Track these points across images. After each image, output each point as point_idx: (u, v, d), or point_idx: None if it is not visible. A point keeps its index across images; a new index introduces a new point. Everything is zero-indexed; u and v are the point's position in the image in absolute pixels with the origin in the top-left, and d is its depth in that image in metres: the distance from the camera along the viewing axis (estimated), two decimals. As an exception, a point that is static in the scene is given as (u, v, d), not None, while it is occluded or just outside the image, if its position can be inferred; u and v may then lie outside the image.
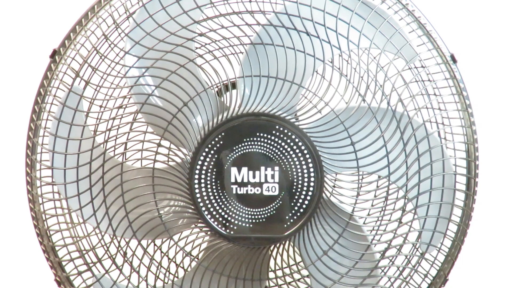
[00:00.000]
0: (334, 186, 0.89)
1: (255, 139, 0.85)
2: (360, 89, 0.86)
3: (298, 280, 0.96)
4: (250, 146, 0.85)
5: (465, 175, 0.90)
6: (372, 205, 0.89)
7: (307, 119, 0.86)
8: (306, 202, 0.85)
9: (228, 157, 0.85)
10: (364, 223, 0.97)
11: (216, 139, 0.85)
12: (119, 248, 0.89)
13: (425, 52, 0.88)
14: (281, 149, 0.85)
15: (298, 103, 0.88)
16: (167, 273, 0.94)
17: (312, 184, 0.85)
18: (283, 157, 0.85)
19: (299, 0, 0.84)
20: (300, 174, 0.85)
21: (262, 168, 0.85)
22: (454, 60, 0.88)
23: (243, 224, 0.86)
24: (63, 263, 0.92)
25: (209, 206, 0.86)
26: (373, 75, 0.86)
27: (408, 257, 0.92)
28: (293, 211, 0.85)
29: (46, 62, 0.89)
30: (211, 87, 0.87)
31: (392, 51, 0.87)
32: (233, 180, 0.85)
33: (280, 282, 0.96)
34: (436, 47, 0.88)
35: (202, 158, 0.85)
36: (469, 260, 1.14)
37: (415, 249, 0.91)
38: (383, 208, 0.88)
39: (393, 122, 0.85)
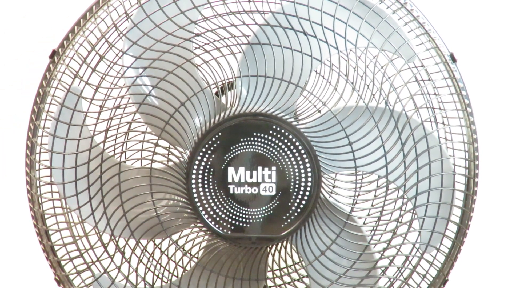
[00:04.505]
0: (332, 186, 0.89)
1: (252, 139, 0.85)
2: (358, 88, 0.86)
3: (297, 280, 0.96)
4: (247, 146, 0.85)
5: (464, 175, 0.90)
6: (372, 205, 0.89)
7: (305, 119, 0.86)
8: (304, 202, 0.85)
9: (225, 157, 0.85)
10: (364, 223, 0.97)
11: (213, 139, 0.85)
12: (117, 247, 0.89)
13: (424, 51, 0.88)
14: (278, 149, 0.85)
15: (296, 103, 0.88)
16: (165, 272, 0.94)
17: (309, 184, 0.85)
18: (280, 157, 0.85)
19: (296, 0, 0.84)
20: (297, 174, 0.85)
21: (259, 168, 0.85)
22: (454, 59, 0.88)
23: (240, 224, 0.86)
24: (62, 263, 0.92)
25: (206, 206, 0.86)
26: (371, 75, 0.86)
27: (408, 257, 0.92)
28: (291, 211, 0.85)
29: (45, 62, 0.90)
30: (209, 87, 0.87)
31: (391, 51, 0.87)
32: (230, 180, 0.85)
33: (278, 282, 0.96)
34: (435, 46, 0.88)
35: (199, 158, 0.85)
36: (468, 260, 1.14)
37: (416, 250, 0.91)
38: (382, 208, 0.88)
39: (391, 121, 0.85)
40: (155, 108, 0.87)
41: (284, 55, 0.85)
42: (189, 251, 0.94)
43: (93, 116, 0.88)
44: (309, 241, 0.87)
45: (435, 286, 0.91)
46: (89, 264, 0.90)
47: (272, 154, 0.85)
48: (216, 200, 0.86)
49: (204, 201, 0.86)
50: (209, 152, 0.85)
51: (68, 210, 0.90)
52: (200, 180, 0.85)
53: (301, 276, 0.97)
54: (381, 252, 0.89)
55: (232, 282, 0.89)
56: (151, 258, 0.91)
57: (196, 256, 0.96)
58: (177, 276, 0.94)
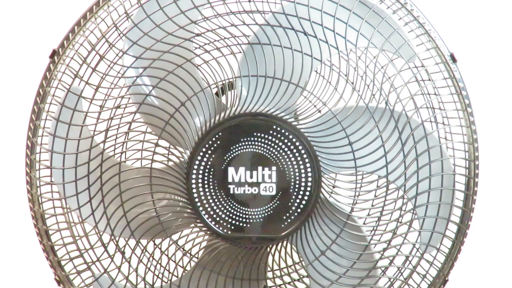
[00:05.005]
0: (332, 186, 0.89)
1: (252, 139, 0.85)
2: (358, 88, 0.86)
3: (297, 280, 0.96)
4: (248, 146, 0.85)
5: (464, 175, 0.90)
6: (372, 205, 0.89)
7: (305, 119, 0.87)
8: (304, 202, 0.85)
9: (225, 157, 0.85)
10: (364, 223, 0.97)
11: (214, 139, 0.85)
12: (117, 247, 0.89)
13: (424, 51, 0.88)
14: (278, 149, 0.85)
15: (296, 103, 0.88)
16: (165, 272, 0.94)
17: (309, 184, 0.85)
18: (281, 157, 0.85)
19: (296, 0, 0.84)
20: (297, 174, 0.85)
21: (260, 168, 0.85)
22: (454, 60, 0.88)
23: (241, 224, 0.86)
24: (62, 263, 0.92)
25: (207, 206, 0.86)
26: (371, 75, 0.86)
27: (408, 257, 0.92)
28: (291, 211, 0.85)
29: (46, 62, 0.90)
30: (209, 87, 0.87)
31: (391, 51, 0.87)
32: (230, 180, 0.85)
33: (278, 282, 0.96)
34: (435, 46, 0.88)
35: (199, 158, 0.85)
36: (468, 260, 1.13)
37: (416, 250, 0.91)
38: (382, 208, 0.88)
39: (391, 122, 0.85)
40: (155, 108, 0.87)
41: (284, 55, 0.85)
42: (189, 251, 0.94)
43: (93, 116, 0.88)
44: (309, 241, 0.87)
45: (435, 286, 0.91)
46: (89, 264, 0.90)
47: (272, 154, 0.85)
48: (216, 200, 0.86)
49: (204, 201, 0.86)
50: (209, 152, 0.85)
51: (68, 210, 0.90)
52: (200, 180, 0.85)
53: (301, 276, 0.97)
54: (381, 252, 0.89)
55: (232, 282, 0.89)
56: (151, 258, 0.91)
57: (196, 256, 0.96)
58: (177, 276, 0.94)
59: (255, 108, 0.86)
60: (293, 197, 0.85)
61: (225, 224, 0.86)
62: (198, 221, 0.86)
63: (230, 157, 0.85)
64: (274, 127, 0.85)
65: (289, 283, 0.92)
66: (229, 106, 0.87)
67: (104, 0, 0.88)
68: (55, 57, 0.88)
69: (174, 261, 0.95)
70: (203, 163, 0.85)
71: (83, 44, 0.89)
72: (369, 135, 0.85)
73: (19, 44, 1.28)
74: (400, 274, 0.94)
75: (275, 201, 0.85)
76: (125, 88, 0.88)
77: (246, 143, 0.85)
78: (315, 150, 0.85)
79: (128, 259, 0.89)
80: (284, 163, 0.85)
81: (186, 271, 0.94)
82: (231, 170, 0.85)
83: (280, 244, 0.88)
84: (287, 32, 0.84)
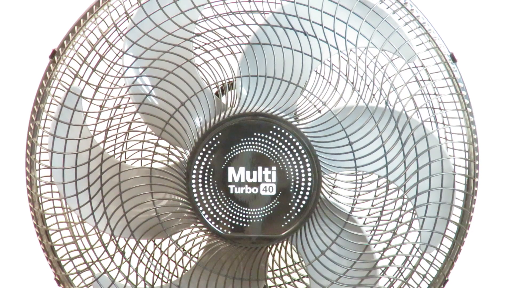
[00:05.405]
0: (332, 186, 0.89)
1: (252, 139, 0.85)
2: (358, 88, 0.86)
3: (297, 280, 0.96)
4: (248, 146, 0.85)
5: (464, 175, 0.90)
6: (372, 205, 0.89)
7: (305, 119, 0.87)
8: (304, 202, 0.85)
9: (225, 157, 0.85)
10: (364, 223, 0.97)
11: (214, 139, 0.85)
12: (117, 247, 0.89)
13: (424, 51, 0.88)
14: (278, 149, 0.85)
15: (296, 103, 0.88)
16: (165, 272, 0.94)
17: (309, 184, 0.85)
18: (281, 157, 0.85)
19: (296, 0, 0.84)
20: (297, 174, 0.85)
21: (260, 168, 0.85)
22: (454, 60, 0.88)
23: (241, 224, 0.86)
24: (62, 263, 0.92)
25: (207, 205, 0.86)
26: (371, 75, 0.86)
27: (408, 257, 0.92)
28: (291, 211, 0.85)
29: (45, 62, 0.90)
30: (209, 87, 0.87)
31: (391, 51, 0.87)
32: (230, 180, 0.85)
33: (278, 282, 0.96)
34: (435, 46, 0.88)
35: (199, 158, 0.85)
36: (468, 260, 1.14)
37: (416, 250, 0.91)
38: (382, 208, 0.88)
39: (391, 122, 0.85)
40: (155, 108, 0.87)
41: (284, 55, 0.85)
42: (189, 251, 0.94)
43: (93, 116, 0.88)
44: (309, 241, 0.87)
45: (435, 286, 0.91)
46: (89, 264, 0.90)
47: (272, 154, 0.85)
48: (216, 200, 0.86)
49: (204, 201, 0.86)
50: (209, 152, 0.85)
51: (68, 210, 0.91)
52: (200, 180, 0.85)
53: (301, 276, 0.97)
54: (381, 252, 0.89)
55: (232, 282, 0.89)
56: (151, 258, 0.91)
57: (196, 256, 0.96)
58: (177, 276, 0.94)
59: (255, 108, 0.86)
60: (293, 197, 0.85)
61: (225, 224, 0.86)
62: (198, 221, 0.86)
63: (230, 157, 0.85)
64: (274, 127, 0.85)
65: (289, 283, 0.92)
66: (229, 106, 0.87)
67: (104, 0, 0.88)
68: (55, 57, 0.88)
69: (174, 261, 0.95)
70: (203, 163, 0.85)
71: (83, 44, 0.89)
72: (369, 135, 0.85)
73: (19, 44, 1.28)
74: (400, 274, 0.94)
75: (275, 201, 0.85)
76: (125, 88, 0.88)
77: (246, 143, 0.85)
78: (315, 150, 0.85)
79: (128, 259, 0.89)
80: (284, 163, 0.85)
81: (186, 271, 0.94)
82: (231, 170, 0.85)
83: (280, 244, 0.88)
84: (287, 32, 0.85)
